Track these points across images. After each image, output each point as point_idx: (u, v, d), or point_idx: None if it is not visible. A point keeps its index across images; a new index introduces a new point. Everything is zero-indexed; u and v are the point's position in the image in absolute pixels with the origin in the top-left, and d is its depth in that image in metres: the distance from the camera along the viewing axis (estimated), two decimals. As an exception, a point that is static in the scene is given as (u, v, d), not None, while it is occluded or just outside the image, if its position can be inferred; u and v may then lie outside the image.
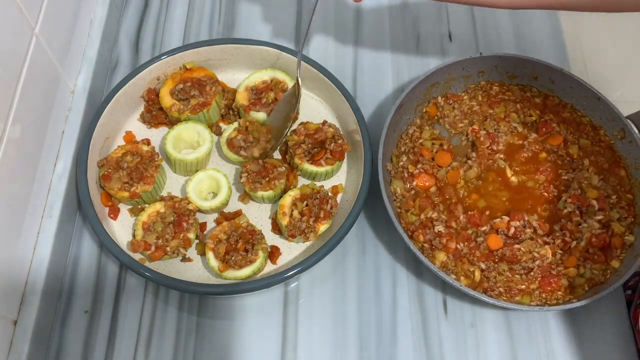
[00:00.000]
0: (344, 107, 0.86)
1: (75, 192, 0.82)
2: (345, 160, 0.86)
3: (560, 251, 0.79)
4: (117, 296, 0.78)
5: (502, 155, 0.85)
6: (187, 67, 0.88)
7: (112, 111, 0.83)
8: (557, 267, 0.78)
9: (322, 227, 0.79)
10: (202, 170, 0.82)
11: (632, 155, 0.83)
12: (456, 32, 1.02)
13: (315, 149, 0.84)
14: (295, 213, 0.79)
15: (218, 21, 1.01)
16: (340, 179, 0.86)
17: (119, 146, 0.83)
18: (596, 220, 0.80)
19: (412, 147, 0.85)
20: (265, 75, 0.88)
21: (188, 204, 0.79)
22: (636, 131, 0.83)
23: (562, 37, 1.02)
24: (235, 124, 0.85)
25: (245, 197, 0.83)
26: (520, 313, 0.79)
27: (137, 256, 0.77)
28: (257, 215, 0.83)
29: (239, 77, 0.90)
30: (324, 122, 0.85)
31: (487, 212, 0.81)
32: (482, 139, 0.85)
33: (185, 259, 0.79)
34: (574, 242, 0.79)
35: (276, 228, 0.82)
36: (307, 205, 0.80)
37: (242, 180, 0.81)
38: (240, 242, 0.77)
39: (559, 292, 0.77)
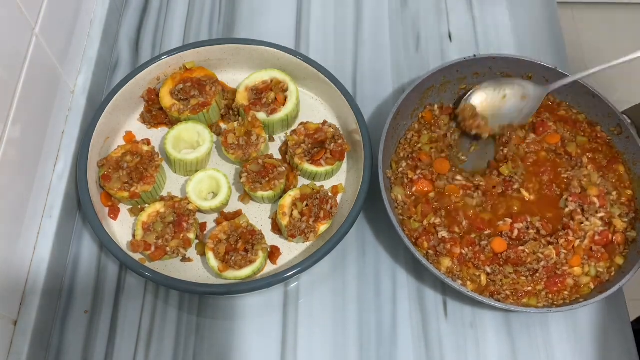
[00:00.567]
0: (344, 107, 0.86)
1: (75, 192, 0.82)
2: (345, 160, 0.86)
3: (564, 251, 0.79)
4: (117, 296, 0.78)
5: (517, 185, 0.84)
6: (187, 67, 0.88)
7: (112, 111, 0.83)
8: (562, 267, 0.78)
9: (322, 228, 0.79)
10: (202, 170, 0.82)
11: (630, 151, 0.83)
12: (456, 32, 1.02)
13: (315, 149, 0.84)
14: (295, 213, 0.79)
15: (218, 21, 1.01)
16: (340, 179, 0.86)
17: (119, 146, 0.83)
18: (598, 218, 0.80)
19: (410, 152, 0.85)
20: (265, 75, 0.88)
21: (188, 204, 0.79)
22: (633, 127, 0.83)
23: (562, 37, 1.02)
24: (236, 124, 0.85)
25: (245, 197, 0.83)
26: (520, 313, 0.79)
27: (137, 256, 0.77)
28: (257, 215, 0.83)
29: (239, 77, 0.90)
30: (324, 122, 0.85)
31: (489, 217, 0.81)
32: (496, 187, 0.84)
33: (185, 259, 0.79)
34: (577, 241, 0.79)
35: (276, 228, 0.82)
36: (307, 205, 0.80)
37: (242, 180, 0.81)
38: (240, 242, 0.77)
39: (565, 292, 0.77)
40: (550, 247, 0.79)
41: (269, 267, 0.79)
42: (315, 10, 1.02)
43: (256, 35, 0.97)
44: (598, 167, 0.85)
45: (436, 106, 0.88)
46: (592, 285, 0.77)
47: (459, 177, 0.84)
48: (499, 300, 0.74)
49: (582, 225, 0.80)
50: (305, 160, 0.83)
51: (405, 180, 0.82)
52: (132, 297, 0.78)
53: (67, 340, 0.76)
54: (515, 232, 0.79)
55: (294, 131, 0.86)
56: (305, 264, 0.74)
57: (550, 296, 0.76)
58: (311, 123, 0.86)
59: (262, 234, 0.79)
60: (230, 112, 0.89)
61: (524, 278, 0.77)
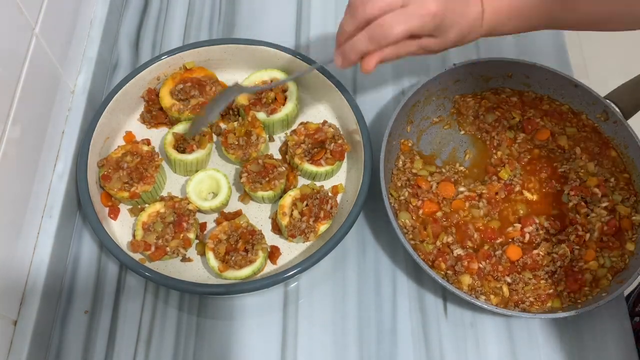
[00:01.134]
0: (344, 107, 0.86)
1: (75, 192, 0.82)
2: (345, 160, 0.86)
3: (577, 247, 0.79)
4: (117, 296, 0.78)
5: (518, 188, 0.84)
6: (187, 67, 0.88)
7: (112, 111, 0.83)
8: (578, 264, 0.78)
9: (322, 227, 0.79)
10: (202, 170, 0.82)
11: (620, 135, 0.83)
12: (456, 32, 1.01)
13: (315, 149, 0.84)
14: (295, 213, 0.79)
15: (218, 21, 1.01)
16: (340, 179, 0.86)
17: (119, 146, 0.83)
18: (602, 208, 0.81)
19: (407, 180, 0.84)
20: (265, 75, 0.88)
21: (188, 204, 0.79)
22: (618, 110, 0.83)
23: (563, 38, 1.02)
24: (236, 124, 0.85)
25: (245, 197, 0.83)
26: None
27: (137, 256, 0.77)
28: (257, 215, 0.83)
29: (239, 77, 0.90)
30: (324, 122, 0.85)
31: (498, 225, 0.81)
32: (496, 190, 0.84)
33: (185, 259, 0.79)
34: (587, 235, 0.79)
35: (276, 228, 0.82)
36: (307, 205, 0.80)
37: (242, 180, 0.81)
38: (240, 242, 0.77)
39: (586, 289, 0.77)
40: (563, 245, 0.79)
41: (269, 267, 0.79)
42: (315, 10, 1.02)
43: (256, 35, 0.97)
44: (591, 156, 0.85)
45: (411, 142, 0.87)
46: (609, 277, 0.77)
47: (461, 188, 0.83)
48: (524, 309, 0.74)
49: (589, 217, 0.81)
50: (305, 160, 0.83)
51: (411, 206, 0.81)
52: (132, 297, 0.78)
53: (67, 340, 0.76)
54: (527, 237, 0.80)
55: (294, 131, 0.86)
56: (305, 264, 0.74)
57: (572, 295, 0.76)
58: (311, 123, 0.86)
59: (262, 234, 0.79)
60: (230, 112, 0.89)
61: (543, 281, 0.77)
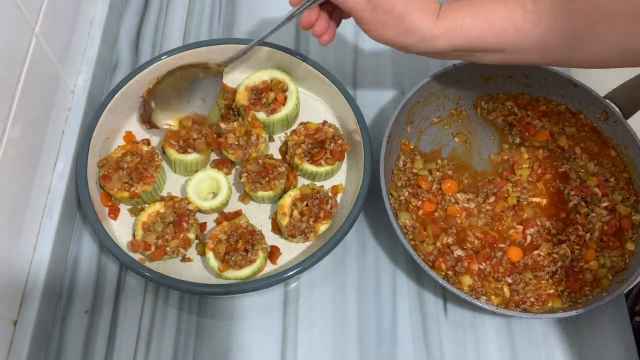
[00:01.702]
0: (344, 107, 0.86)
1: (75, 192, 0.82)
2: (345, 160, 0.86)
3: (577, 247, 0.79)
4: (117, 296, 0.78)
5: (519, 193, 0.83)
6: (187, 67, 0.88)
7: (112, 111, 0.83)
8: (579, 264, 0.78)
9: (322, 227, 0.79)
10: (202, 170, 0.82)
11: (619, 135, 0.83)
12: (456, 32, 1.01)
13: (315, 149, 0.84)
14: (295, 213, 0.79)
15: (218, 21, 1.01)
16: (340, 179, 0.86)
17: (119, 146, 0.83)
18: (602, 208, 0.81)
19: (407, 180, 0.84)
20: (265, 75, 0.88)
21: (188, 204, 0.79)
22: (617, 110, 0.83)
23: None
24: (236, 124, 0.85)
25: (245, 197, 0.83)
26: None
27: (137, 256, 0.77)
28: (257, 215, 0.83)
29: (239, 77, 0.90)
30: (324, 122, 0.85)
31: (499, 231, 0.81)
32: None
33: (185, 259, 0.79)
34: (588, 235, 0.79)
35: (276, 228, 0.82)
36: (307, 205, 0.80)
37: (242, 180, 0.81)
38: (240, 242, 0.77)
39: (587, 288, 0.77)
40: (564, 245, 0.79)
41: (269, 267, 0.79)
42: (315, 10, 1.02)
43: (256, 35, 0.97)
44: (591, 156, 0.85)
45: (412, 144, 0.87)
46: (610, 277, 0.77)
47: (459, 195, 0.82)
48: (525, 310, 0.74)
49: (589, 217, 0.81)
50: (305, 160, 0.83)
51: (411, 206, 0.81)
52: (132, 297, 0.78)
53: (67, 340, 0.76)
54: (529, 239, 0.79)
55: (294, 131, 0.86)
56: (305, 264, 0.74)
57: (572, 295, 0.76)
58: (311, 123, 0.86)
59: (262, 234, 0.79)
60: (230, 112, 0.89)
61: (544, 281, 0.77)
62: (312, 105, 0.91)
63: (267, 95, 0.86)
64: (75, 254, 0.81)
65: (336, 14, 0.74)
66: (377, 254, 0.83)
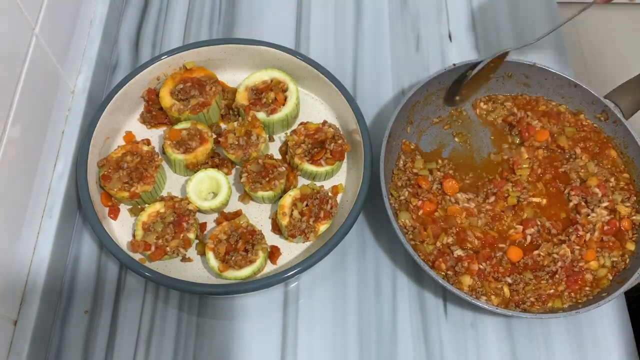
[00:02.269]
0: (344, 107, 0.86)
1: (75, 192, 0.82)
2: (345, 160, 0.86)
3: (577, 247, 0.79)
4: (117, 296, 0.78)
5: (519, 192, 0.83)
6: (187, 67, 0.88)
7: (112, 111, 0.83)
8: (579, 264, 0.78)
9: (322, 227, 0.79)
10: (202, 170, 0.82)
11: (620, 135, 0.84)
12: (456, 32, 1.02)
13: (315, 149, 0.84)
14: (295, 213, 0.79)
15: (218, 21, 1.01)
16: (340, 179, 0.86)
17: (119, 146, 0.83)
18: (603, 208, 0.81)
19: (407, 179, 0.83)
20: (265, 75, 0.88)
21: (188, 204, 0.79)
22: (618, 110, 0.83)
23: (562, 38, 1.02)
24: (236, 124, 0.85)
25: (245, 197, 0.83)
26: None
27: (137, 256, 0.77)
28: (257, 215, 0.83)
29: (239, 77, 0.90)
30: (324, 122, 0.85)
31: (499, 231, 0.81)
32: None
33: (185, 259, 0.79)
34: (588, 235, 0.79)
35: (276, 228, 0.82)
36: (307, 205, 0.80)
37: (242, 180, 0.81)
38: (240, 242, 0.77)
39: (587, 288, 0.77)
40: (564, 245, 0.79)
41: (269, 267, 0.79)
42: (315, 10, 1.02)
43: (256, 35, 0.97)
44: (591, 156, 0.85)
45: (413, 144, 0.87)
46: (610, 277, 0.77)
47: (459, 195, 0.82)
48: (525, 310, 0.74)
49: (589, 217, 0.81)
50: (305, 160, 0.83)
51: (411, 206, 0.81)
52: (132, 297, 0.78)
53: (67, 340, 0.76)
54: (529, 239, 0.79)
55: (294, 131, 0.86)
56: (305, 264, 0.74)
57: (573, 295, 0.76)
58: (311, 123, 0.86)
59: (262, 234, 0.79)
60: (230, 112, 0.89)
61: (544, 282, 0.77)
62: (312, 105, 0.91)
63: (267, 95, 0.86)
64: (75, 254, 0.81)
65: None
66: (377, 254, 0.83)
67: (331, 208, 0.79)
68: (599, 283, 0.77)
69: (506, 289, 0.76)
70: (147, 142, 0.85)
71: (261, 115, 0.86)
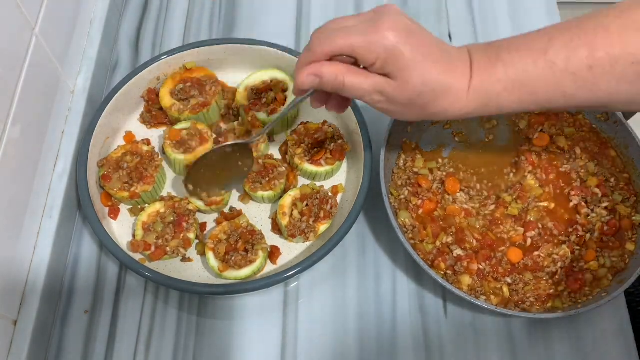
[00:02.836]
0: (344, 107, 0.85)
1: (75, 192, 0.82)
2: (345, 160, 0.86)
3: (577, 247, 0.79)
4: (117, 296, 0.78)
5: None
6: (187, 67, 0.88)
7: (112, 111, 0.83)
8: (579, 264, 0.78)
9: (322, 227, 0.79)
10: (202, 170, 0.82)
11: (620, 135, 0.83)
12: (456, 32, 1.01)
13: (315, 149, 0.84)
14: (295, 213, 0.79)
15: (218, 21, 1.01)
16: (340, 179, 0.86)
17: (119, 146, 0.83)
18: (602, 208, 0.80)
19: (407, 179, 0.83)
20: (265, 75, 0.88)
21: (188, 204, 0.79)
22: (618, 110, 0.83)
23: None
24: (236, 124, 0.85)
25: (245, 197, 0.83)
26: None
27: (137, 256, 0.77)
28: (257, 215, 0.83)
29: (239, 77, 0.90)
30: (324, 122, 0.85)
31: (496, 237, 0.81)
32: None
33: (185, 259, 0.79)
34: (588, 235, 0.79)
35: (276, 228, 0.82)
36: (307, 205, 0.80)
37: (242, 180, 0.81)
38: (240, 242, 0.77)
39: (587, 288, 0.77)
40: (564, 246, 0.79)
41: (269, 267, 0.79)
42: (315, 10, 1.02)
43: (256, 35, 0.97)
44: (591, 156, 0.85)
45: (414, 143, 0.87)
46: (610, 277, 0.77)
47: (459, 195, 0.82)
48: (525, 309, 0.74)
49: (589, 217, 0.80)
50: (305, 160, 0.83)
51: (411, 205, 0.81)
52: (132, 297, 0.78)
53: (67, 340, 0.76)
54: (529, 241, 0.79)
55: (294, 131, 0.86)
56: (305, 264, 0.74)
57: (572, 295, 0.76)
58: (311, 123, 0.86)
59: (262, 234, 0.79)
60: (230, 112, 0.89)
61: (544, 282, 0.77)
62: (312, 105, 0.91)
63: (267, 95, 0.86)
64: (75, 254, 0.81)
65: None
66: (377, 254, 0.83)
67: (331, 208, 0.79)
68: (599, 283, 0.77)
69: (505, 289, 0.76)
70: (147, 142, 0.85)
71: (261, 115, 0.86)
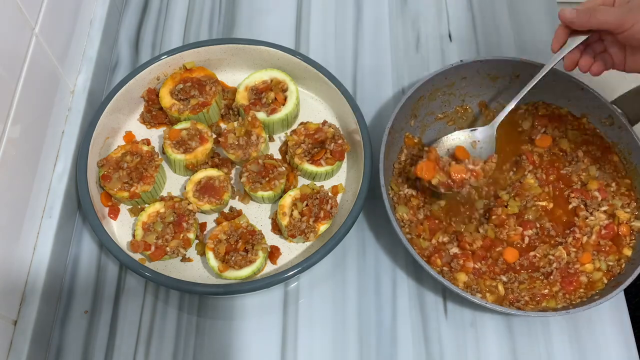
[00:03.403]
0: (344, 107, 0.86)
1: (75, 192, 0.82)
2: (345, 160, 0.86)
3: (573, 249, 0.79)
4: (117, 296, 0.78)
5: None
6: (187, 67, 0.88)
7: (112, 111, 0.83)
8: (574, 266, 0.78)
9: (322, 227, 0.79)
10: (202, 170, 0.82)
11: (624, 140, 0.83)
12: (456, 33, 1.01)
13: (315, 149, 0.84)
14: (295, 213, 0.79)
15: (218, 21, 1.01)
16: (340, 179, 0.86)
17: (119, 146, 0.83)
18: (601, 212, 0.80)
19: (407, 175, 0.83)
20: (265, 75, 0.88)
21: (188, 204, 0.79)
22: (624, 116, 0.83)
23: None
24: (236, 124, 0.85)
25: (245, 197, 0.83)
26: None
27: (137, 256, 0.77)
28: (257, 215, 0.83)
29: (239, 77, 0.90)
30: (324, 122, 0.85)
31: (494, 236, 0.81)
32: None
33: (185, 259, 0.79)
34: (585, 238, 0.79)
35: (276, 228, 0.82)
36: (307, 205, 0.80)
37: (242, 180, 0.81)
38: (240, 242, 0.77)
39: (581, 290, 0.77)
40: (560, 247, 0.79)
41: (269, 267, 0.79)
42: (315, 10, 1.02)
43: (256, 35, 0.97)
44: (593, 159, 0.85)
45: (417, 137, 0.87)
46: (605, 280, 0.77)
47: (442, 238, 0.80)
48: (519, 308, 0.74)
49: (587, 220, 0.81)
50: (305, 160, 0.83)
51: (411, 202, 0.81)
52: (132, 297, 0.78)
53: (67, 340, 0.76)
54: (526, 240, 0.79)
55: (294, 131, 0.86)
56: (305, 264, 0.74)
57: (567, 296, 0.76)
58: (311, 123, 0.86)
59: (262, 234, 0.79)
60: (230, 112, 0.89)
61: (539, 282, 0.77)
62: (312, 105, 0.91)
63: (267, 95, 0.86)
64: (75, 254, 0.81)
65: (598, 45, 0.74)
66: (377, 253, 0.83)
67: (331, 208, 0.79)
68: (594, 286, 0.77)
69: (501, 287, 0.76)
70: (147, 142, 0.85)
71: (261, 115, 0.85)
